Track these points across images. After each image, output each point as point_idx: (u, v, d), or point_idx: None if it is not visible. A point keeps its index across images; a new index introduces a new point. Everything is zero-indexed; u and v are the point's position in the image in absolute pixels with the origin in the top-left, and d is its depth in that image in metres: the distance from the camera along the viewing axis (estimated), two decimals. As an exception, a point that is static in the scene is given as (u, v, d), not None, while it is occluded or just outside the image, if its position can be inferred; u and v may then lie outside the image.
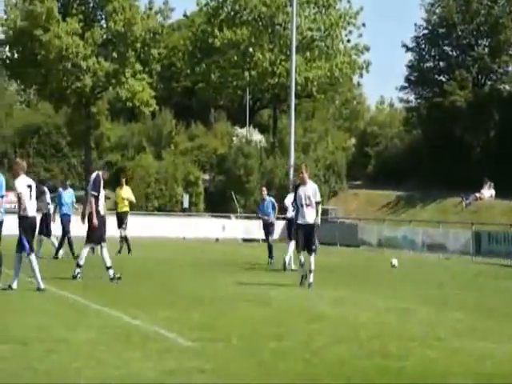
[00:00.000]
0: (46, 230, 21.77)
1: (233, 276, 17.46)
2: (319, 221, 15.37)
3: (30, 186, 13.51)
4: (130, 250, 23.68)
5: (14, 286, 13.33)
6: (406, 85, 53.75)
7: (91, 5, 53.64)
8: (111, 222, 21.34)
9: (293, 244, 18.92)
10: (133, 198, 24.29)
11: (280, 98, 55.20)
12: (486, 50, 50.21)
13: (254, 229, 35.77)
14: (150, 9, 53.47)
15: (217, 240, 38.03)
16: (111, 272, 15.38)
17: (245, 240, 38.07)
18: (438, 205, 44.90)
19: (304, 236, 15.20)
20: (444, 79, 52.02)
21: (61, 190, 23.44)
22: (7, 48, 53.69)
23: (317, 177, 46.42)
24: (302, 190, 15.41)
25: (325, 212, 37.45)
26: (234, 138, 57.22)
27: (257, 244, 34.31)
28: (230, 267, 20.73)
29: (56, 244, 22.13)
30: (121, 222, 23.53)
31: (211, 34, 53.00)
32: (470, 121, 46.74)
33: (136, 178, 48.57)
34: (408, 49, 53.24)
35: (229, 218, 42.57)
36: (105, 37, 51.82)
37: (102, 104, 57.72)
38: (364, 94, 77.97)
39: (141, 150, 55.76)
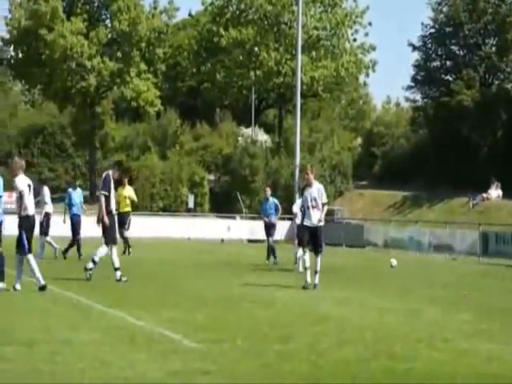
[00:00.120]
0: (45, 230, 21.67)
1: (238, 277, 17.46)
2: (323, 220, 15.33)
3: (29, 186, 13.51)
4: (127, 251, 23.52)
5: (18, 286, 13.34)
6: (413, 84, 53.68)
7: (96, 4, 53.71)
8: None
9: (301, 250, 18.97)
10: (135, 197, 24.17)
11: (285, 98, 55.17)
12: (494, 49, 50.12)
13: (260, 229, 35.67)
14: (155, 8, 53.52)
15: (222, 241, 38.03)
16: (118, 273, 15.42)
17: (250, 241, 38.05)
18: (444, 205, 44.83)
19: (310, 238, 15.17)
20: (451, 78, 51.94)
21: (70, 190, 23.28)
22: (12, 48, 53.81)
23: (322, 177, 46.39)
24: (307, 192, 15.35)
25: (330, 212, 37.43)
26: (240, 138, 57.21)
27: (262, 245, 34.26)
28: (235, 268, 20.74)
29: (52, 243, 21.94)
30: (122, 222, 23.30)
31: (216, 34, 52.99)
32: (477, 120, 46.67)
33: (141, 179, 48.60)
34: (414, 48, 53.16)
35: (234, 218, 42.57)
36: (109, 36, 51.90)
37: (107, 104, 57.77)
38: (370, 94, 77.95)
39: (146, 150, 55.79)
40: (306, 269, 15.08)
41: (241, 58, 53.22)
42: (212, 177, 55.16)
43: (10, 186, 14.50)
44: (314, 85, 52.38)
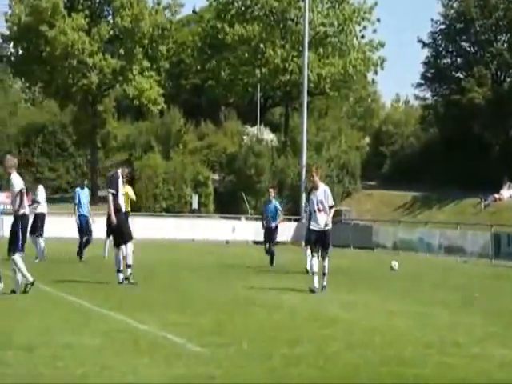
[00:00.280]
0: (40, 231, 21.54)
1: (243, 279, 17.45)
2: (330, 224, 15.27)
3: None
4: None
5: (17, 290, 13.32)
6: (423, 82, 53.70)
7: (98, 0, 53.79)
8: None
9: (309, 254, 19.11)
10: (133, 196, 23.76)
11: (292, 96, 55.20)
12: (506, 45, 50.09)
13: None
14: (159, 4, 53.61)
15: (227, 242, 38.04)
16: (129, 271, 15.46)
17: (255, 242, 38.03)
18: (455, 206, 44.79)
19: (317, 242, 15.09)
20: (462, 76, 51.92)
21: (78, 189, 23.09)
22: (11, 44, 53.94)
23: (330, 177, 46.41)
24: (313, 195, 15.24)
25: (338, 213, 37.41)
26: (245, 137, 57.23)
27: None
28: (241, 270, 20.73)
29: (43, 246, 21.76)
30: None
31: (221, 30, 53.04)
32: (489, 119, 46.64)
33: (143, 179, 48.68)
34: (424, 45, 53.17)
35: (239, 219, 42.58)
36: (112, 33, 51.99)
37: (109, 102, 57.88)
38: (379, 92, 78.03)
39: (148, 149, 55.86)
40: (313, 274, 15.00)
41: (246, 55, 53.26)
42: (216, 176, 55.20)
43: (6, 186, 14.47)
44: (321, 82, 52.40)
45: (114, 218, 15.52)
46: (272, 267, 21.86)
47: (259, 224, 23.42)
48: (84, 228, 22.25)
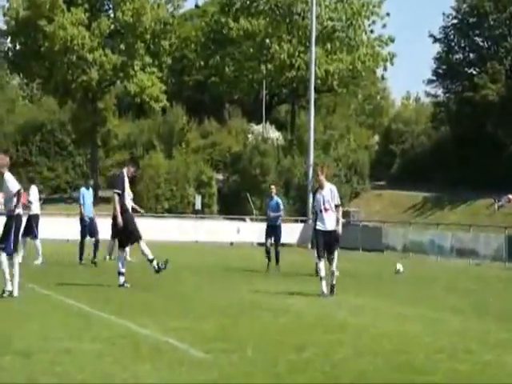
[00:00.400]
0: (34, 232, 21.48)
1: (248, 282, 17.47)
2: (341, 229, 15.20)
3: None
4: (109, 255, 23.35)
5: (15, 293, 13.35)
6: (434, 78, 53.70)
7: (98, -7, 53.91)
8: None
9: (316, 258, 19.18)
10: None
11: (298, 93, 55.23)
12: (520, 40, 50.06)
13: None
14: (160, -3, 53.65)
15: (231, 244, 38.07)
16: (155, 262, 15.64)
17: (261, 244, 38.05)
18: (467, 207, 44.75)
19: (324, 243, 15.03)
20: (475, 72, 51.90)
21: (84, 189, 22.91)
22: (9, 39, 54.06)
23: (338, 177, 46.41)
24: (319, 195, 15.19)
25: (346, 214, 37.43)
26: (250, 136, 57.27)
27: (273, 249, 34.25)
28: (245, 273, 20.75)
29: (40, 248, 21.75)
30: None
31: (225, 25, 53.09)
32: (503, 116, 46.59)
33: (145, 178, 48.73)
34: (436, 40, 53.16)
35: (244, 220, 42.61)
36: (112, 27, 52.05)
37: (109, 99, 57.94)
38: (388, 89, 78.04)
39: (150, 148, 55.94)
40: (321, 278, 14.95)
41: (251, 50, 53.30)
42: (220, 176, 55.26)
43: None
44: (328, 79, 52.42)
45: (120, 219, 15.58)
46: (277, 269, 21.86)
47: (265, 225, 23.35)
48: (87, 230, 22.19)
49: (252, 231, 39.79)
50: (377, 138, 64.75)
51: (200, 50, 57.62)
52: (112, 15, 53.53)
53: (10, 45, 54.59)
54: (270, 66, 52.82)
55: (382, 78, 66.89)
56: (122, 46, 51.64)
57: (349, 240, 32.77)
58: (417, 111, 66.57)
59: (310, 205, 19.28)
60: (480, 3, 50.02)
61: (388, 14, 53.56)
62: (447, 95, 54.35)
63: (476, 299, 15.88)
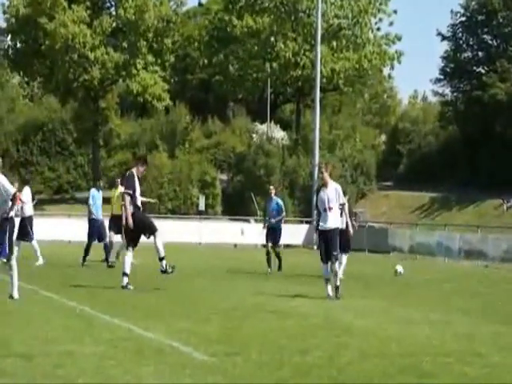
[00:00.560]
0: (30, 235, 21.34)
1: (252, 285, 17.48)
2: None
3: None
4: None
5: (15, 295, 13.37)
6: (442, 77, 53.65)
7: (99, -9, 53.95)
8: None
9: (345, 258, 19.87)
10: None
11: (304, 92, 55.21)
12: (530, 38, 50.01)
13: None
14: (163, -5, 53.64)
15: (235, 246, 38.08)
16: (164, 263, 15.76)
17: (265, 246, 38.05)
18: (476, 208, 44.71)
19: (324, 243, 14.95)
20: (483, 71, 51.85)
21: (94, 190, 22.87)
22: (9, 37, 54.09)
23: (344, 177, 46.39)
24: (323, 193, 15.05)
25: (353, 215, 37.37)
26: (254, 135, 57.30)
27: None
28: (250, 275, 20.76)
29: (37, 248, 21.72)
30: (114, 225, 22.57)
31: (229, 23, 53.11)
32: (512, 116, 46.55)
33: (148, 179, 48.73)
34: (444, 38, 53.11)
35: (248, 221, 42.61)
36: (114, 25, 52.07)
37: (112, 98, 57.97)
38: (395, 88, 78.00)
39: (153, 147, 55.99)
40: (326, 281, 14.92)
41: (255, 48, 53.30)
42: (224, 177, 55.28)
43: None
44: (334, 77, 52.40)
45: (130, 221, 15.61)
46: (280, 272, 21.85)
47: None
48: (96, 232, 22.12)
49: (256, 232, 39.80)
50: (383, 137, 64.76)
51: (203, 48, 57.64)
52: (114, 13, 53.56)
53: (10, 43, 54.63)
54: (274, 64, 52.82)
55: (389, 76, 66.94)
56: (125, 44, 51.67)
57: (355, 241, 32.74)
58: (424, 110, 66.55)
59: (314, 203, 19.11)
60: (489, 1, 49.98)
61: (395, 12, 53.60)
62: (455, 94, 54.32)
63: (484, 301, 15.88)
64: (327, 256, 14.82)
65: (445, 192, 47.44)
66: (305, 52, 51.87)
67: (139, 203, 15.98)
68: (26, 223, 21.22)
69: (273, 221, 22.31)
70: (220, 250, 34.62)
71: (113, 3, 54.02)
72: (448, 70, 53.38)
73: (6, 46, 54.93)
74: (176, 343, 9.32)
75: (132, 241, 16.01)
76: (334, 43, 52.43)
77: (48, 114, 60.24)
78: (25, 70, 53.90)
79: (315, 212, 16.00)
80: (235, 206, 48.17)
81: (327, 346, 9.50)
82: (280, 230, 22.54)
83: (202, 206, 47.61)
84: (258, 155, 50.78)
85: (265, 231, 22.62)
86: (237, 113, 67.11)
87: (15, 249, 20.58)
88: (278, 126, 58.39)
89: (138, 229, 15.74)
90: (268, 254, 22.22)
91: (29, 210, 21.49)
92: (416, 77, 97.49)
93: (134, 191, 15.83)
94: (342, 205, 15.30)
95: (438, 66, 54.51)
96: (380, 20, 53.80)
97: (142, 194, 16.59)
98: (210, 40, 56.55)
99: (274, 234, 22.31)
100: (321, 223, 15.03)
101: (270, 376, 7.70)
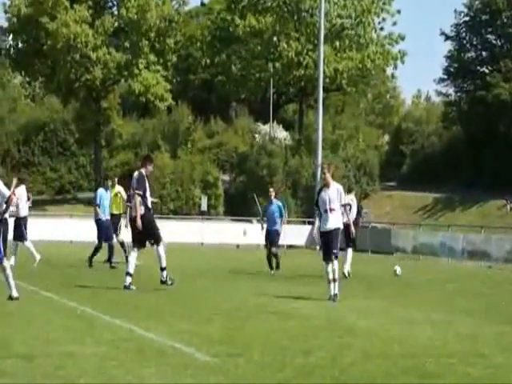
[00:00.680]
0: (24, 235, 21.21)
1: (255, 286, 17.48)
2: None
3: None
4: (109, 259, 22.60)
5: (14, 294, 13.36)
6: (445, 77, 53.62)
7: (101, -10, 53.96)
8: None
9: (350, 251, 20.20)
10: (124, 195, 23.20)
11: (307, 92, 55.21)
12: (534, 38, 49.99)
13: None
14: (166, -6, 53.64)
15: (237, 246, 38.08)
16: (164, 274, 15.72)
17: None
18: (479, 208, 44.69)
19: (324, 243, 14.92)
20: (487, 70, 51.83)
21: (102, 189, 22.66)
22: (11, 37, 54.09)
23: (347, 177, 46.38)
24: (325, 193, 14.98)
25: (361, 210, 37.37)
26: (257, 135, 57.29)
27: (280, 251, 34.24)
28: (252, 276, 20.76)
29: (31, 248, 21.68)
30: (111, 224, 22.46)
31: (232, 22, 53.11)
32: (516, 116, 46.52)
33: (150, 179, 48.72)
34: (447, 37, 53.09)
35: (250, 222, 42.59)
36: (116, 25, 52.07)
37: (114, 98, 57.97)
38: (398, 88, 77.96)
39: (155, 148, 55.97)
40: (329, 282, 14.88)
41: (258, 48, 53.31)
42: (227, 177, 55.27)
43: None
44: (337, 77, 52.38)
45: (139, 222, 15.57)
46: (272, 272, 21.81)
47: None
48: (104, 233, 22.06)
49: (259, 233, 39.76)
50: (387, 137, 64.76)
51: (206, 48, 57.65)
52: (116, 12, 53.57)
53: (11, 42, 54.62)
54: (277, 64, 52.81)
55: (392, 76, 66.81)
56: (127, 44, 51.68)
57: (357, 242, 32.77)
58: (427, 110, 66.53)
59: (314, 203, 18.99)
60: (493, 0, 49.96)
61: (399, 12, 53.56)
62: (459, 94, 54.29)
63: (487, 302, 15.87)
64: (329, 256, 14.79)
65: (448, 192, 47.42)
66: (308, 52, 51.86)
67: (150, 204, 15.97)
68: (21, 223, 21.18)
69: (273, 228, 22.22)
70: (222, 250, 34.63)
71: (115, 3, 54.04)
72: (451, 69, 53.36)
73: (8, 46, 54.95)
74: (178, 344, 9.32)
75: (138, 241, 15.97)
76: (337, 43, 52.42)
77: (50, 114, 60.25)
78: (26, 69, 53.91)
79: (316, 212, 15.92)
80: (237, 207, 48.15)
81: (330, 346, 9.50)
82: (278, 232, 22.48)
83: (204, 207, 47.60)
84: (261, 155, 50.78)
85: (264, 232, 22.59)
86: (239, 113, 67.09)
87: (12, 249, 20.77)
88: (281, 126, 58.37)
89: (146, 230, 15.70)
90: (269, 255, 22.20)
91: (23, 210, 21.35)
92: (419, 77, 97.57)
93: (145, 192, 15.80)
94: (344, 205, 15.27)
95: (442, 65, 54.57)
96: (383, 20, 53.83)
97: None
98: (212, 40, 56.56)
99: (272, 235, 22.27)
100: (322, 225, 14.99)
101: (272, 377, 7.69)
